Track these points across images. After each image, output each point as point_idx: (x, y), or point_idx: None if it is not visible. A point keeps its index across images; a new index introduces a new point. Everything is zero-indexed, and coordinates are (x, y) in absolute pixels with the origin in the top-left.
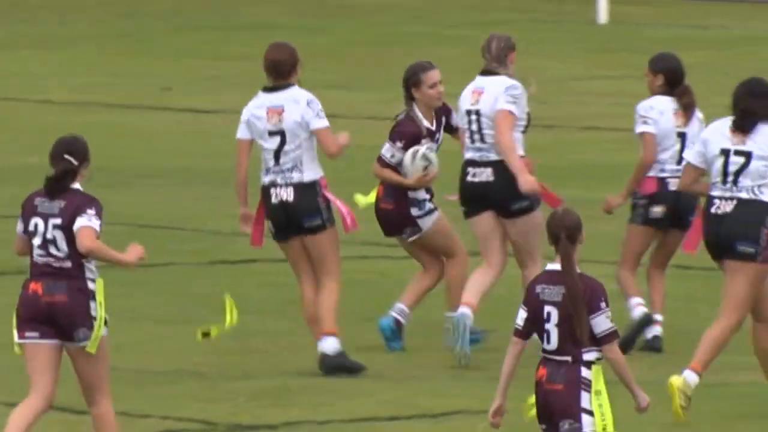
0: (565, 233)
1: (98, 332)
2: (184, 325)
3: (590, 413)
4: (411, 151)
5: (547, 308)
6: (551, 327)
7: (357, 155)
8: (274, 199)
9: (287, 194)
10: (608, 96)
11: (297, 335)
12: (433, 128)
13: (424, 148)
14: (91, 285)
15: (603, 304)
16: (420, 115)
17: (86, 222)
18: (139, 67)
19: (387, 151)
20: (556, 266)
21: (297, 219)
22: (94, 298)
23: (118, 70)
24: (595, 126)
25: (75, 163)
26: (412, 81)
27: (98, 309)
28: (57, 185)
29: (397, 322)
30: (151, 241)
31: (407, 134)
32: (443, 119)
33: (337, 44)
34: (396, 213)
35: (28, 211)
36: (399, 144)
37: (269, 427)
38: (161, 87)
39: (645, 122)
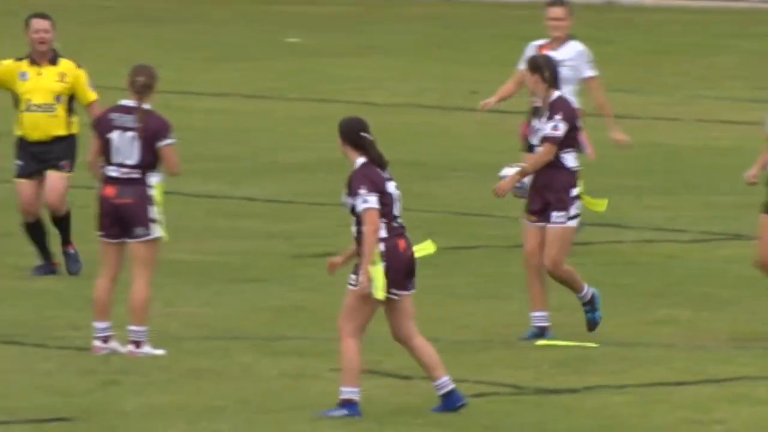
0: None
1: None
2: (493, 301)
3: None
4: None
5: None
6: None
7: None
8: None
9: None
10: None
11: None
12: None
13: None
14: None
15: None
16: None
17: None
18: (451, 73)
19: None
20: None
21: None
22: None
23: (433, 75)
24: None
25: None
26: None
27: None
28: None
29: None
30: (464, 227)
31: None
32: None
33: (625, 53)
34: None
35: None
36: None
37: (571, 391)
38: (470, 90)
39: None
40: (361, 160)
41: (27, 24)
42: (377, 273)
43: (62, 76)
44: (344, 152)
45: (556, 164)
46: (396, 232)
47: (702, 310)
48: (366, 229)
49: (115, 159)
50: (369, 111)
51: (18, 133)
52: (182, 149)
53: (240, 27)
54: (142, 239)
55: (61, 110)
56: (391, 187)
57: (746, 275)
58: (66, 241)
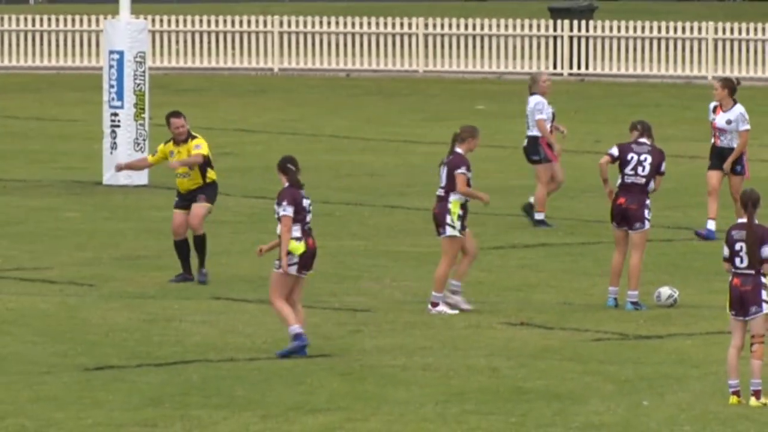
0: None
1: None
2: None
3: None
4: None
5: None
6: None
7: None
8: None
9: None
10: None
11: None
12: None
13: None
14: None
15: None
16: None
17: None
18: (583, 128)
19: None
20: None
21: None
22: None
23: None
24: None
25: (293, 169)
26: None
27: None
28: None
29: None
30: (590, 228)
31: None
32: None
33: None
34: None
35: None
36: None
37: (658, 337)
38: (594, 140)
39: None
40: (286, 183)
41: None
42: (297, 249)
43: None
44: (279, 177)
45: None
46: (307, 233)
47: None
48: (282, 228)
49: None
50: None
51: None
52: (408, 179)
53: (445, 98)
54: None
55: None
56: (305, 202)
57: None
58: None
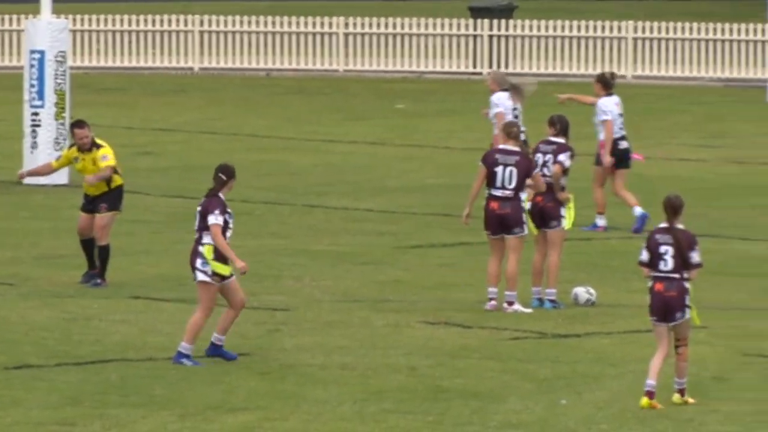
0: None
1: None
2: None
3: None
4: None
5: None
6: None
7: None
8: None
9: None
10: None
11: None
12: None
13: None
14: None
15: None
16: None
17: (213, 220)
18: None
19: None
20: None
21: None
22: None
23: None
24: None
25: (224, 178)
26: None
27: None
28: (211, 192)
29: None
30: None
31: None
32: None
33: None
34: None
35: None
36: None
37: (576, 335)
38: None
39: None
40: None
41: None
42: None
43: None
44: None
45: None
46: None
47: None
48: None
49: None
50: (446, 153)
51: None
52: (327, 178)
53: (365, 97)
54: None
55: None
56: (228, 209)
57: None
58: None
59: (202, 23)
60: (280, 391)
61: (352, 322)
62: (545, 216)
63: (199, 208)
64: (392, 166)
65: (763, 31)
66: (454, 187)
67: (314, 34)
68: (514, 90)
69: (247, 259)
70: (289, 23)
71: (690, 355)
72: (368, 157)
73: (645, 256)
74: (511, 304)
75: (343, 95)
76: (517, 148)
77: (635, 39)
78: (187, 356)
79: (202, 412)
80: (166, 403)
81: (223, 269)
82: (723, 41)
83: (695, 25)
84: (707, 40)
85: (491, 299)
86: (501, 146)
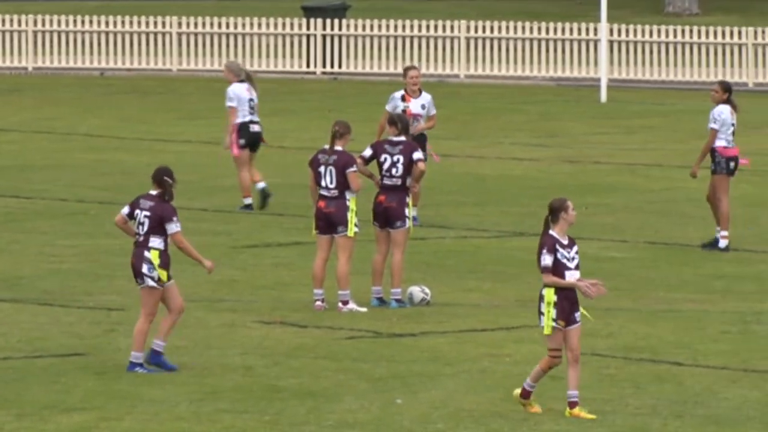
0: None
1: None
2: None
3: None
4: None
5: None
6: None
7: (468, 179)
8: None
9: None
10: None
11: None
12: None
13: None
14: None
15: None
16: None
17: (174, 228)
18: None
19: None
20: None
21: None
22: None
23: (324, 128)
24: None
25: (170, 182)
26: None
27: None
28: (160, 196)
29: None
30: None
31: None
32: None
33: (451, 114)
34: None
35: (134, 205)
36: None
37: (411, 335)
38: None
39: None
40: (160, 194)
41: None
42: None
43: None
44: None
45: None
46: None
47: (497, 282)
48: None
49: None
50: (281, 152)
51: None
52: None
53: (199, 97)
54: None
55: None
56: (141, 215)
57: (526, 259)
58: None
59: (35, 23)
60: (116, 390)
61: (188, 322)
62: (389, 216)
63: (146, 213)
64: (226, 166)
65: (596, 30)
66: (289, 186)
67: (147, 34)
68: (250, 80)
69: (82, 258)
70: (123, 23)
71: (525, 355)
72: (202, 156)
73: (548, 261)
74: (345, 303)
75: (176, 95)
76: (339, 147)
77: (468, 38)
78: (140, 365)
79: (38, 412)
80: (3, 402)
81: (164, 275)
82: (556, 40)
83: (528, 24)
84: (540, 40)
85: (317, 300)
86: (326, 146)
